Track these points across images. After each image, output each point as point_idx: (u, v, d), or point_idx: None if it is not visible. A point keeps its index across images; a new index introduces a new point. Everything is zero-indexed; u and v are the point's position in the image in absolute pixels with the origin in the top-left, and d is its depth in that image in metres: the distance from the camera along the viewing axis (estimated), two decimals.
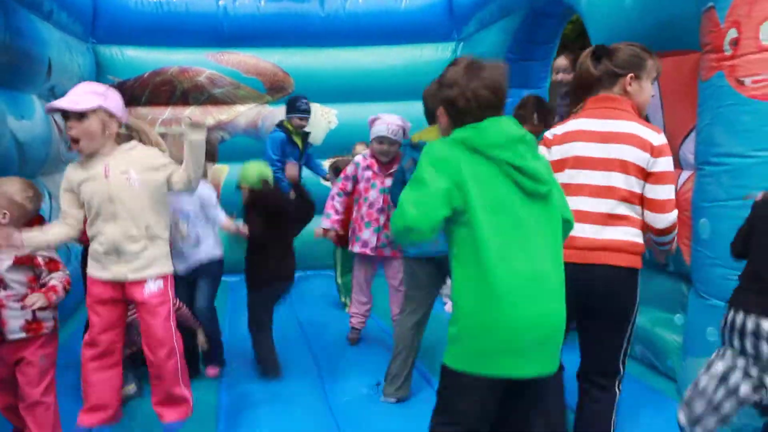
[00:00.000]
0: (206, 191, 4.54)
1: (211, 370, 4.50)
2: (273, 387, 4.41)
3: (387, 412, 4.17)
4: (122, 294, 3.13)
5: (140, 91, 7.24)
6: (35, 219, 3.23)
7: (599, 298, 3.08)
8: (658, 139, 3.07)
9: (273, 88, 7.53)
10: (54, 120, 5.58)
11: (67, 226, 3.11)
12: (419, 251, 4.32)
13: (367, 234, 5.08)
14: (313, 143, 6.92)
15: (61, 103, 2.90)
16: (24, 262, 3.04)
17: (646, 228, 3.17)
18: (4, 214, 2.98)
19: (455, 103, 2.38)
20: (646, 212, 3.11)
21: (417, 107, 7.41)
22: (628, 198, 3.07)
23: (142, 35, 7.22)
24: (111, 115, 2.92)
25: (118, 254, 2.99)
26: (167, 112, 7.31)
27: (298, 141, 6.51)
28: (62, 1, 5.93)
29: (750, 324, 2.58)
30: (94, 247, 3.07)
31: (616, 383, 3.23)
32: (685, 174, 4.17)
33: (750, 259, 2.76)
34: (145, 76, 7.24)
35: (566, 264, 2.61)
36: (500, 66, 2.43)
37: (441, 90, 2.53)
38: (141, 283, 3.07)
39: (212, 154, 5.76)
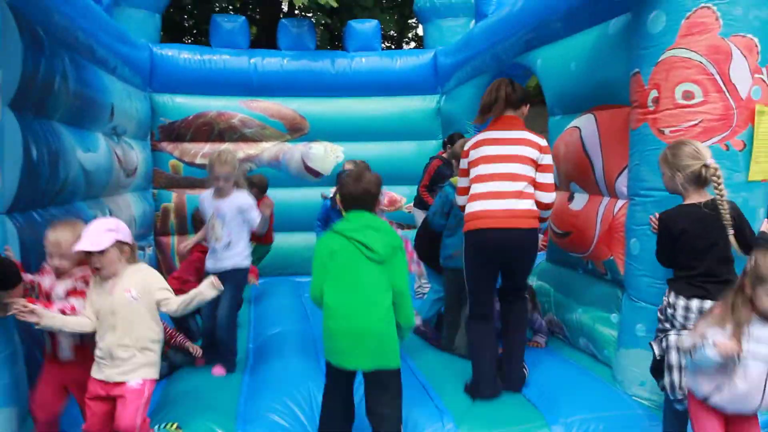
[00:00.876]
0: (246, 198, 4.37)
1: (218, 370, 4.21)
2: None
3: None
4: (108, 393, 2.98)
5: (185, 130, 7.23)
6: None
7: (516, 249, 3.68)
8: (543, 142, 3.78)
9: (292, 129, 7.48)
10: (115, 153, 5.56)
11: (88, 320, 2.95)
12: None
13: None
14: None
15: (85, 245, 2.80)
16: (78, 294, 2.95)
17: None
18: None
19: (343, 197, 3.26)
20: (537, 192, 3.70)
21: (407, 146, 7.59)
22: (530, 181, 3.67)
23: (188, 86, 7.20)
24: (124, 243, 2.90)
25: (111, 359, 2.88)
26: (207, 147, 7.24)
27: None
28: (125, 59, 5.96)
29: (681, 302, 2.83)
30: (96, 351, 2.93)
31: (525, 294, 4.01)
32: (620, 203, 4.17)
33: (680, 263, 2.96)
34: (190, 118, 7.20)
35: (492, 229, 3.60)
36: (375, 176, 3.17)
37: (341, 187, 3.45)
38: (123, 383, 2.94)
39: (263, 188, 5.77)
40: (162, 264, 7.08)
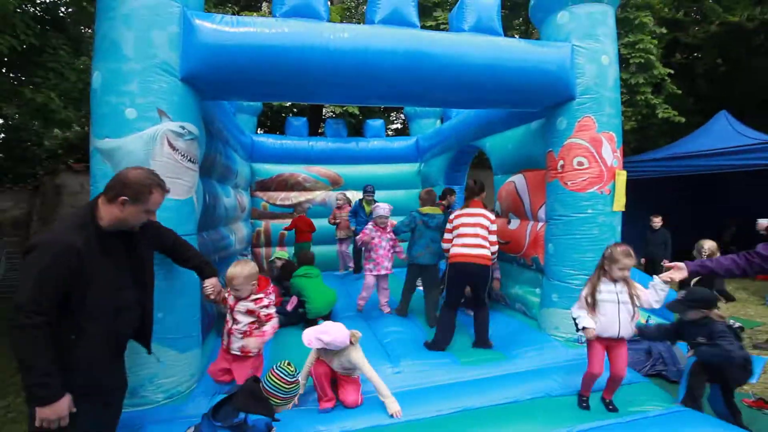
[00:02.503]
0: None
1: None
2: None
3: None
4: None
5: (270, 184, 7.18)
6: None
7: (477, 275, 3.65)
8: (493, 216, 3.79)
9: (333, 183, 7.47)
10: (237, 198, 5.53)
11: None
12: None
13: (387, 263, 4.50)
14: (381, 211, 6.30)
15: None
16: (251, 313, 2.69)
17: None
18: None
19: None
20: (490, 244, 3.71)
21: (400, 192, 7.53)
22: (485, 238, 3.68)
23: (273, 158, 7.16)
24: None
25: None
26: (283, 194, 7.24)
27: (366, 208, 6.14)
28: (242, 143, 5.99)
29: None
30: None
31: (487, 304, 3.76)
32: (540, 224, 4.16)
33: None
34: (273, 177, 7.18)
35: (465, 262, 3.65)
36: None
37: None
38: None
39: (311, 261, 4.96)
40: (257, 264, 6.85)
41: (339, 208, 6.73)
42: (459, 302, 3.85)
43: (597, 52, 3.58)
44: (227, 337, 2.72)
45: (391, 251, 4.57)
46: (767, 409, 2.98)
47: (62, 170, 7.82)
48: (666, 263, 3.78)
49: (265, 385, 2.03)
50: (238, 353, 2.68)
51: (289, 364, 2.12)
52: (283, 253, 5.50)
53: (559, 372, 3.09)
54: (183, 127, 2.78)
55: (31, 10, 6.04)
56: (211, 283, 2.50)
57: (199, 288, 2.76)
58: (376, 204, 4.74)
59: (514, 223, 4.71)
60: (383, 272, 4.52)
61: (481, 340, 3.74)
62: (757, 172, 7.09)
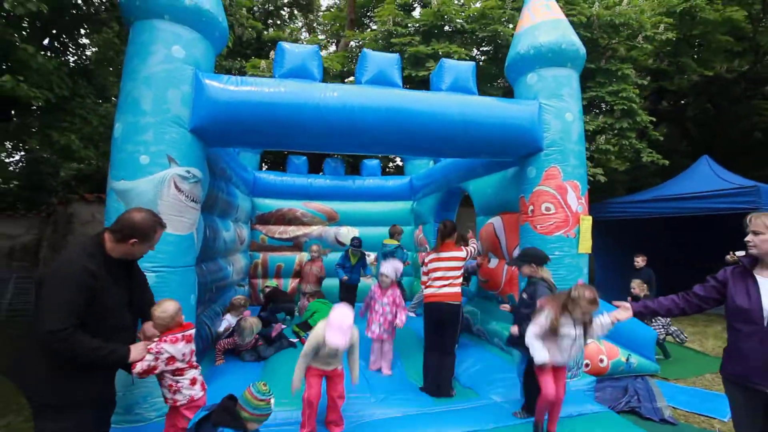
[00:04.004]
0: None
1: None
2: None
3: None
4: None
5: (269, 218, 7.34)
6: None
7: (447, 314, 3.67)
8: (464, 254, 3.84)
9: (329, 219, 7.60)
10: (237, 231, 5.75)
11: None
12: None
13: (375, 327, 4.03)
14: (368, 260, 6.31)
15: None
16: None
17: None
18: None
19: None
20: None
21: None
22: (457, 278, 3.76)
23: (273, 193, 7.37)
24: None
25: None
26: (282, 228, 7.42)
27: (352, 259, 5.98)
28: (243, 180, 6.23)
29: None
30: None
31: (454, 352, 3.72)
32: None
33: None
34: (273, 211, 7.33)
35: (435, 302, 3.67)
36: None
37: None
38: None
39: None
40: (252, 294, 7.01)
41: (312, 260, 6.33)
42: (436, 342, 3.70)
43: (562, 110, 3.96)
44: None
45: (390, 315, 4.01)
46: None
47: (75, 200, 8.18)
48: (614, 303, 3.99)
49: (239, 401, 2.19)
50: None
51: (264, 384, 2.21)
52: (273, 283, 5.71)
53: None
54: (189, 171, 3.15)
55: (70, 62, 6.55)
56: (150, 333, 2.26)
57: (194, 311, 3.02)
58: (386, 261, 4.34)
59: (493, 262, 4.92)
60: (371, 336, 4.05)
61: (444, 389, 3.53)
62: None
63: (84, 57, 7.10)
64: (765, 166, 13.94)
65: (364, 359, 4.10)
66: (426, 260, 3.91)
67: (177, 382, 2.28)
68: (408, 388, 3.67)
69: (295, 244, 7.41)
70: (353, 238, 6.20)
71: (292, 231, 7.56)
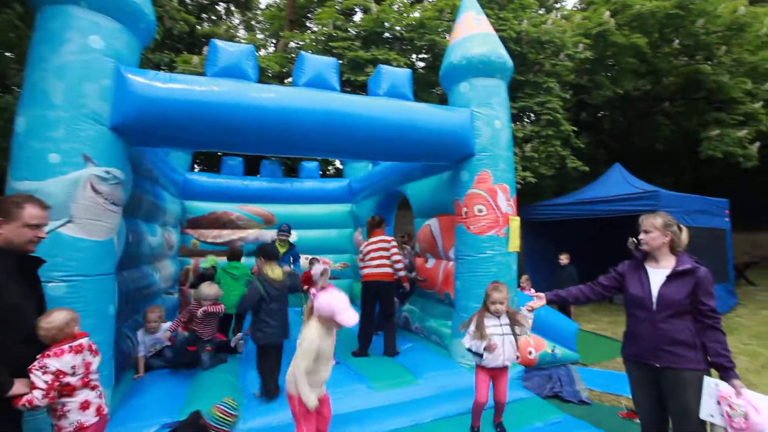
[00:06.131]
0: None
1: None
2: None
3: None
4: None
5: (202, 221, 7.08)
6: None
7: (383, 290, 4.48)
8: (394, 242, 4.59)
9: (266, 222, 7.45)
10: (164, 236, 5.43)
11: None
12: None
13: None
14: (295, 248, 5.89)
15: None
16: None
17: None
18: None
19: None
20: (394, 263, 4.55)
21: (333, 232, 7.76)
22: (387, 258, 4.52)
23: (205, 196, 7.10)
24: None
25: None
26: (215, 232, 7.18)
27: (280, 248, 5.45)
28: (173, 181, 5.96)
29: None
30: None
31: (394, 319, 4.49)
32: (451, 263, 4.48)
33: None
34: (206, 215, 7.09)
35: (373, 280, 4.44)
36: None
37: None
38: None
39: (239, 255, 5.28)
40: (182, 302, 6.51)
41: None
42: (372, 315, 4.50)
43: (491, 117, 4.21)
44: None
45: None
46: (637, 419, 3.32)
47: None
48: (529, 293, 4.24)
49: (206, 418, 2.11)
50: None
51: (231, 399, 2.18)
52: (213, 260, 5.44)
53: (460, 395, 3.40)
54: (108, 172, 2.93)
55: None
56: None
57: (113, 323, 2.83)
58: (314, 258, 4.57)
59: (431, 262, 5.08)
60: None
61: (389, 350, 4.32)
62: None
63: None
64: (667, 173, 15.76)
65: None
66: (361, 248, 4.70)
67: (63, 405, 1.94)
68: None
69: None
70: (281, 225, 5.87)
71: (227, 235, 7.28)
